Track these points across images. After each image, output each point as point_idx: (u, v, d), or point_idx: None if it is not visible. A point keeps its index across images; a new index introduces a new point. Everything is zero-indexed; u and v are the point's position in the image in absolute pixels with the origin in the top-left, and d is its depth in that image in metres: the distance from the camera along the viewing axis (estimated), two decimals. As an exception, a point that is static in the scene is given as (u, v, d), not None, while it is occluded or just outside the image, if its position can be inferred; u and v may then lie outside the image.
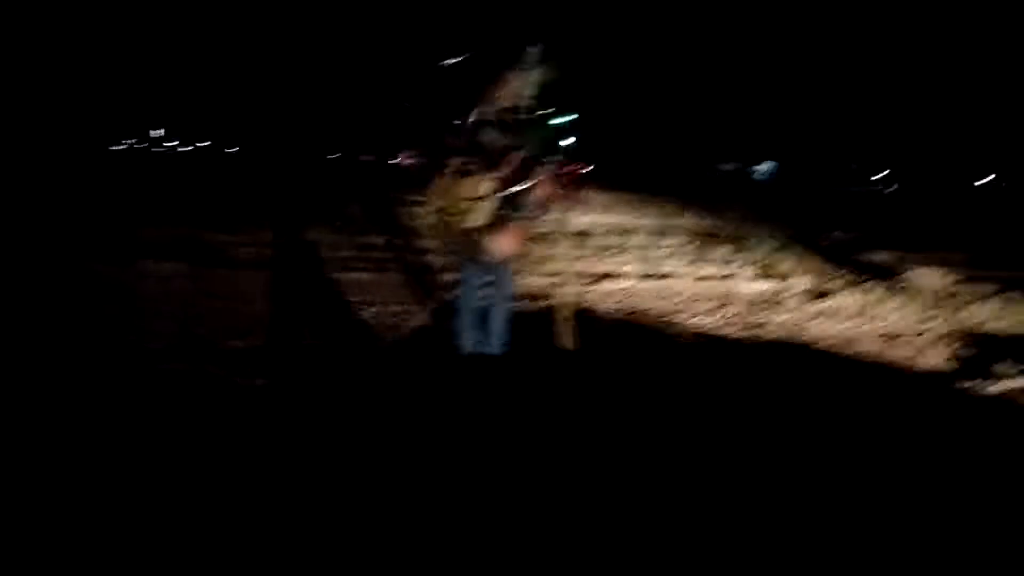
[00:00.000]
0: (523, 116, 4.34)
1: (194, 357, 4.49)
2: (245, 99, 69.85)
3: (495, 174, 4.20)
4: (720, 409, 4.04)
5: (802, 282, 7.99)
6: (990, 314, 6.46)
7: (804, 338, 5.75)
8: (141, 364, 4.32)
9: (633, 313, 6.34)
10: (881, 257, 10.60)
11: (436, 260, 9.02)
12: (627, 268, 8.75)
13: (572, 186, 4.70)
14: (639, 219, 15.75)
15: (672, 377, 4.61)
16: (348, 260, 8.47)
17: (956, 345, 5.55)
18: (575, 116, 4.69)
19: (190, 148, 63.46)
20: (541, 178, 4.33)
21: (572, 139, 4.66)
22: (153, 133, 66.92)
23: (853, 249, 11.68)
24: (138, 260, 7.47)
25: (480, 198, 4.12)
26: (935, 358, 5.26)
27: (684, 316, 6.40)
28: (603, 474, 3.15)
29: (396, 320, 5.82)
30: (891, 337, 5.81)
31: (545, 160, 4.41)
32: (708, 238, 12.59)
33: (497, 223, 4.19)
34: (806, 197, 28.25)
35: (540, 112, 4.42)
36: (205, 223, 10.67)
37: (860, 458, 3.45)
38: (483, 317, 4.59)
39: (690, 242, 11.89)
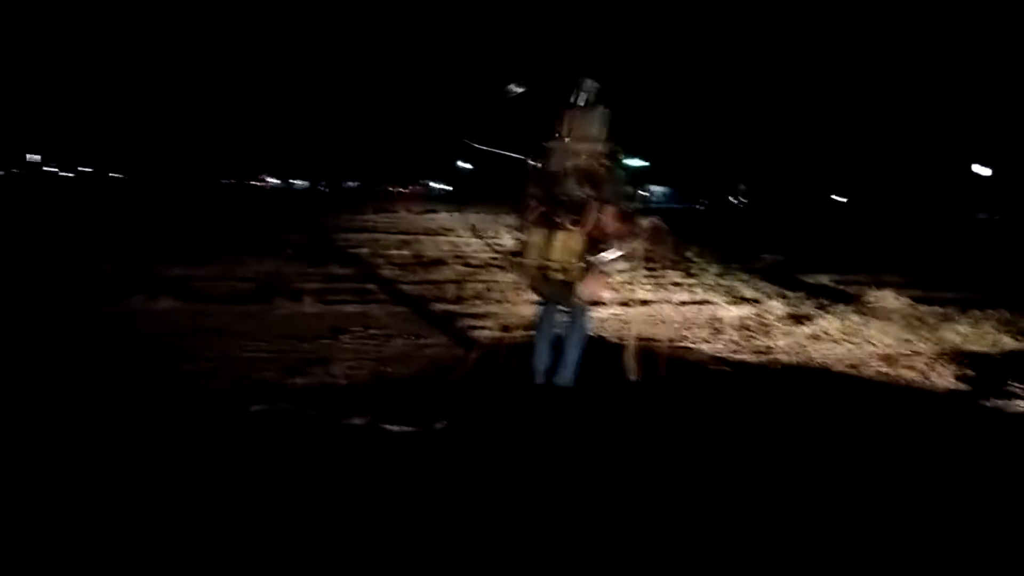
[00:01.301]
0: (603, 161, 4.47)
1: (267, 397, 4.39)
2: (117, 123, 67.33)
3: (584, 226, 4.34)
4: (782, 432, 4.26)
5: (776, 306, 8.39)
6: (967, 335, 6.96)
7: (815, 362, 6.06)
8: (223, 408, 4.19)
9: (646, 341, 6.51)
10: (821, 279, 11.20)
11: (410, 289, 9.05)
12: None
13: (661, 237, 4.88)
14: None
15: (728, 404, 4.80)
16: (326, 292, 8.34)
17: (953, 366, 5.97)
18: (646, 163, 4.85)
19: (73, 174, 60.33)
20: (625, 228, 4.51)
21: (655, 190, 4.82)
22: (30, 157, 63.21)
23: (789, 271, 12.27)
24: (123, 299, 7.17)
25: (577, 255, 4.26)
26: (944, 378, 5.65)
27: (691, 342, 6.65)
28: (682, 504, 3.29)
29: (433, 352, 5.85)
30: (890, 359, 6.19)
31: (628, 208, 4.59)
32: (648, 262, 12.97)
33: (587, 271, 4.34)
34: (712, 218, 29.24)
35: (614, 155, 4.55)
36: (153, 257, 10.23)
37: (925, 477, 3.71)
38: (557, 350, 4.73)
39: (636, 267, 12.19)
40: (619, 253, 4.47)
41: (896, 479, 3.65)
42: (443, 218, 22.04)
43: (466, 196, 38.45)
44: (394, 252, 13.17)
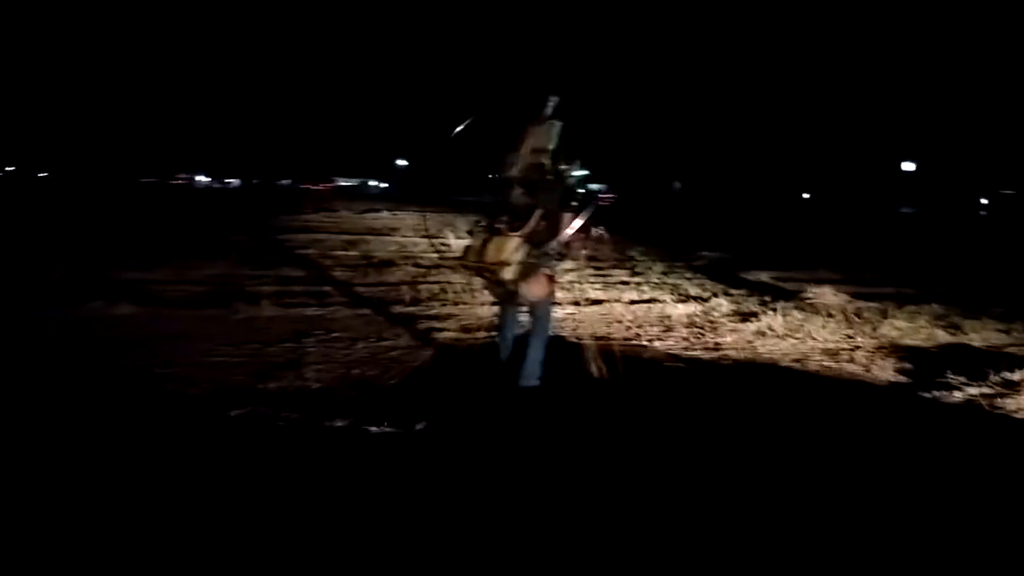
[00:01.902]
0: (547, 171, 4.68)
1: (243, 402, 4.46)
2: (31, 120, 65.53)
3: (523, 231, 4.53)
4: (744, 425, 4.50)
5: (721, 303, 8.71)
6: (904, 329, 7.37)
7: (763, 357, 6.35)
8: (205, 413, 4.27)
9: (602, 339, 6.72)
10: (762, 277, 11.60)
11: (365, 291, 9.13)
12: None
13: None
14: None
15: (688, 400, 5.03)
16: (282, 296, 8.35)
17: (892, 359, 6.32)
18: (588, 172, 5.07)
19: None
20: (566, 229, 4.71)
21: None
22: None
23: (730, 269, 12.67)
24: (80, 304, 7.11)
25: (511, 257, 4.44)
26: (884, 371, 5.99)
27: (645, 340, 6.88)
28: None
29: (398, 354, 5.98)
30: (832, 353, 6.52)
31: (569, 210, 4.79)
32: (592, 260, 13.26)
33: (529, 272, 4.52)
34: (648, 216, 29.64)
35: (561, 166, 4.77)
36: (102, 260, 10.06)
37: (878, 466, 3.99)
38: (519, 348, 4.91)
39: (582, 267, 12.45)
40: (557, 252, 4.66)
41: (846, 466, 3.91)
42: (386, 217, 21.97)
43: (405, 194, 38.45)
44: (341, 253, 13.15)
